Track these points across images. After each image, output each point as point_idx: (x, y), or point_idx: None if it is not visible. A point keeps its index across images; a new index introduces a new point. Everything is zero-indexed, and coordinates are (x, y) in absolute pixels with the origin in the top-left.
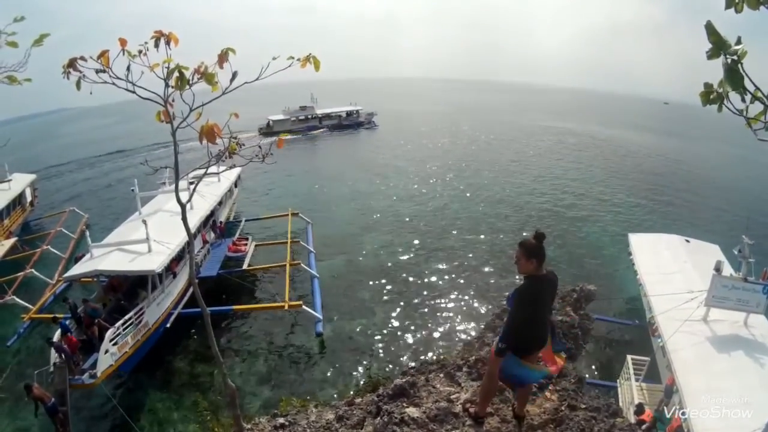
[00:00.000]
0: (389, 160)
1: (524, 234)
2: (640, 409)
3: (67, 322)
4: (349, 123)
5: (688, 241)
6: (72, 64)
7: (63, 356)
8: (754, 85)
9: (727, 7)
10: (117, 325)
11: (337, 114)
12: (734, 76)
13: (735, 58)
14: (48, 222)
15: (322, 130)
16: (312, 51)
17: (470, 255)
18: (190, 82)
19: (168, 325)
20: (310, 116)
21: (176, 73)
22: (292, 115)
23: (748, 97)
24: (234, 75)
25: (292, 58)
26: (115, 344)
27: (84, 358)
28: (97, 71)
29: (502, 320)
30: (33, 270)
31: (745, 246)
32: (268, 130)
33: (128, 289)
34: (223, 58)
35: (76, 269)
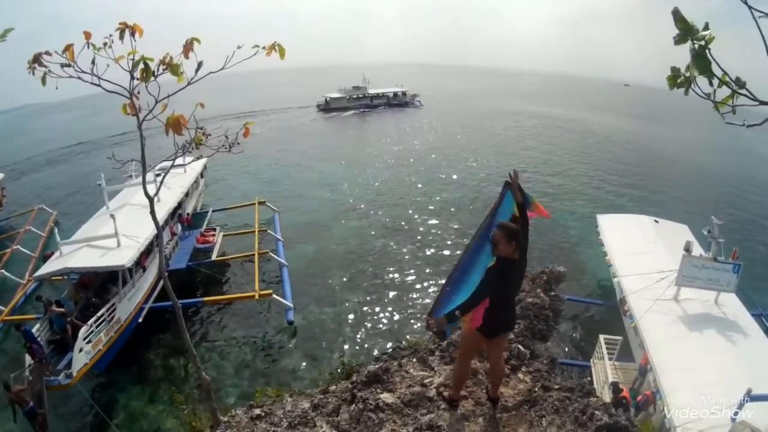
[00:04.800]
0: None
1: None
2: (616, 388)
3: (35, 328)
4: (398, 102)
5: (656, 221)
6: (37, 59)
7: (38, 359)
8: (722, 70)
9: None
10: (90, 322)
11: (386, 94)
12: (702, 61)
13: (702, 43)
14: (17, 221)
15: (379, 107)
16: (280, 37)
17: (439, 239)
18: (156, 73)
19: (140, 320)
20: (362, 95)
21: (141, 65)
22: (347, 93)
23: (715, 82)
24: (199, 65)
25: (257, 46)
26: (89, 342)
27: (58, 358)
28: (63, 65)
29: None
30: (3, 271)
31: (715, 226)
32: (326, 107)
33: (99, 286)
34: (188, 48)
35: (46, 268)
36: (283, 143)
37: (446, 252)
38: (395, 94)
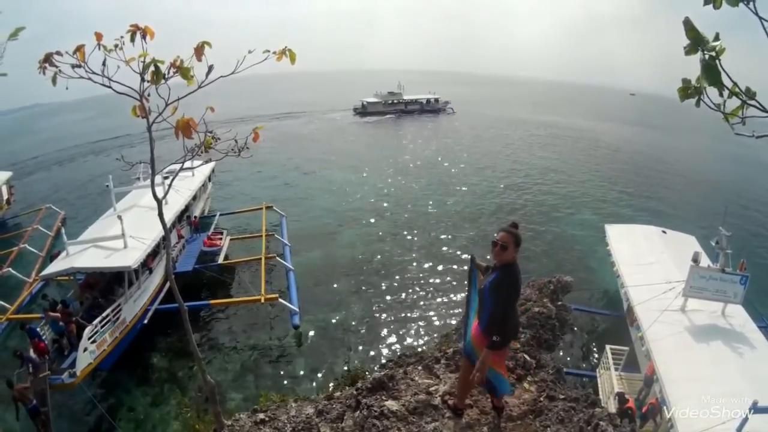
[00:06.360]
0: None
1: (494, 225)
2: (622, 399)
3: (38, 328)
4: (431, 108)
5: (664, 232)
6: (48, 59)
7: (32, 367)
8: (732, 81)
9: (706, 3)
10: (95, 322)
11: (420, 100)
12: (712, 72)
13: (713, 54)
14: (25, 220)
15: (414, 113)
16: (287, 43)
17: (447, 247)
18: (166, 76)
19: (145, 322)
20: (397, 101)
21: (152, 68)
22: (383, 99)
23: (725, 93)
24: (210, 68)
25: (268, 51)
26: (93, 342)
27: (61, 359)
28: (73, 66)
29: None
30: (10, 269)
31: (723, 237)
32: (363, 111)
33: (105, 286)
34: (199, 51)
35: (52, 267)
36: (299, 148)
37: (454, 261)
38: (428, 101)
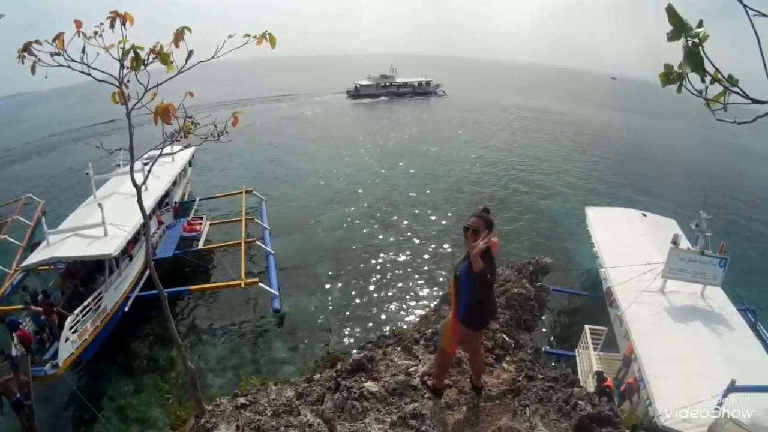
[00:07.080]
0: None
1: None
2: (601, 377)
3: (21, 317)
4: (422, 91)
5: (645, 215)
6: (27, 48)
7: (12, 363)
8: (714, 67)
9: None
10: (76, 312)
11: (411, 83)
12: (694, 58)
13: (696, 40)
14: (4, 210)
15: (406, 95)
16: (268, 27)
17: (427, 230)
18: (146, 62)
19: (126, 309)
20: (389, 84)
21: (131, 54)
22: (376, 81)
23: (707, 79)
24: (189, 54)
25: (248, 36)
26: (75, 332)
27: (43, 350)
28: (53, 54)
29: None
30: None
31: (703, 220)
32: (355, 93)
33: (86, 275)
34: (178, 36)
35: (33, 258)
36: (283, 132)
37: (433, 244)
38: (420, 84)
